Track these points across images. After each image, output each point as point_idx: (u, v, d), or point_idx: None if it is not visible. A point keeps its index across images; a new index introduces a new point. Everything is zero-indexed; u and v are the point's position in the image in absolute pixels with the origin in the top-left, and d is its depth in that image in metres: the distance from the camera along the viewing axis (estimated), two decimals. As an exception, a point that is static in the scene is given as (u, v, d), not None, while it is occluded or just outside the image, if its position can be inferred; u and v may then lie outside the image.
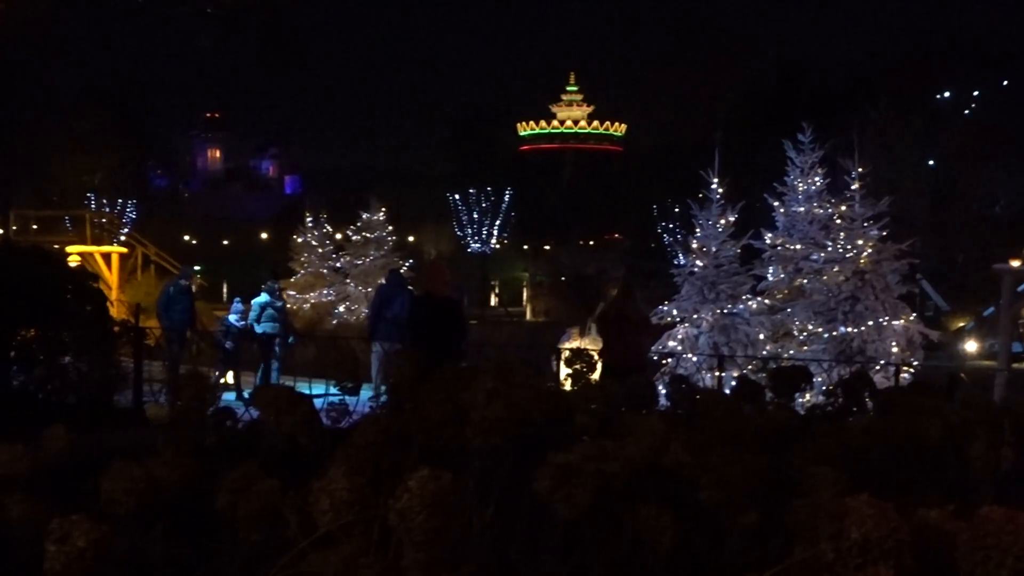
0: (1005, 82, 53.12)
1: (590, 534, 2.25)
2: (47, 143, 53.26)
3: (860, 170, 18.95)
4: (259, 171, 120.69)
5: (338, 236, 33.59)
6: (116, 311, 18.75)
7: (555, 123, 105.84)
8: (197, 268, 19.81)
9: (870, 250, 18.35)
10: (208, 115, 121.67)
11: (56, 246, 32.38)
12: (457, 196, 71.15)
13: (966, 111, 51.26)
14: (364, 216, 32.28)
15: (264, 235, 72.33)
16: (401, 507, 1.93)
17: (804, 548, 1.94)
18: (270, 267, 29.96)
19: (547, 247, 69.44)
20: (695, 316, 18.56)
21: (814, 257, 18.85)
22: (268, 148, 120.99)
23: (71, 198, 48.38)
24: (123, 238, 41.81)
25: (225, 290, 51.83)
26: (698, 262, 18.63)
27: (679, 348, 18.41)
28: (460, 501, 2.01)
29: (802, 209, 19.30)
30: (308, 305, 31.72)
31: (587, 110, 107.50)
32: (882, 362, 17.12)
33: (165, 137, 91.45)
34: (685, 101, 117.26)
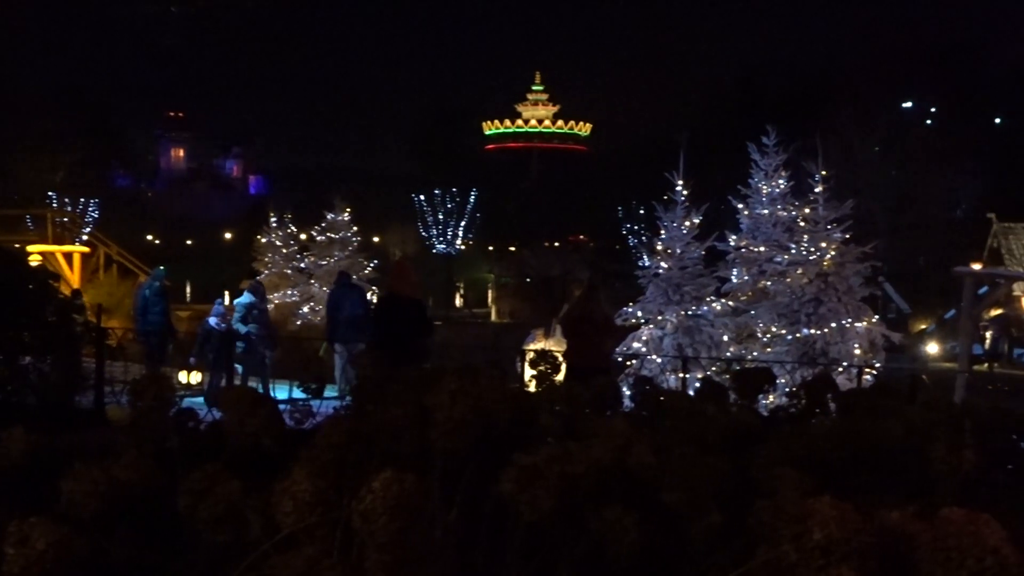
0: (965, 88, 53.73)
1: (554, 535, 2.24)
2: (8, 141, 52.66)
3: (823, 173, 19.11)
4: (223, 171, 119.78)
5: (303, 236, 33.43)
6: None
7: (520, 122, 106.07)
8: (160, 268, 19.53)
9: (833, 252, 18.48)
10: (172, 114, 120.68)
11: (17, 245, 32.05)
12: (422, 197, 71.11)
13: (927, 118, 51.85)
14: (329, 216, 32.12)
15: (228, 235, 72.01)
16: (364, 509, 1.92)
17: (767, 550, 1.94)
18: (248, 267, 29.76)
19: (512, 248, 69.47)
20: (659, 317, 18.61)
21: (778, 259, 18.96)
22: (232, 148, 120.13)
23: (33, 197, 47.83)
24: (85, 237, 41.37)
25: (188, 291, 51.41)
26: (663, 264, 18.68)
27: (643, 349, 18.44)
28: (424, 503, 2.00)
29: (766, 212, 19.43)
30: (272, 306, 31.50)
31: (552, 109, 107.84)
32: (845, 364, 17.23)
33: (129, 136, 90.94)
34: (650, 102, 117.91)
